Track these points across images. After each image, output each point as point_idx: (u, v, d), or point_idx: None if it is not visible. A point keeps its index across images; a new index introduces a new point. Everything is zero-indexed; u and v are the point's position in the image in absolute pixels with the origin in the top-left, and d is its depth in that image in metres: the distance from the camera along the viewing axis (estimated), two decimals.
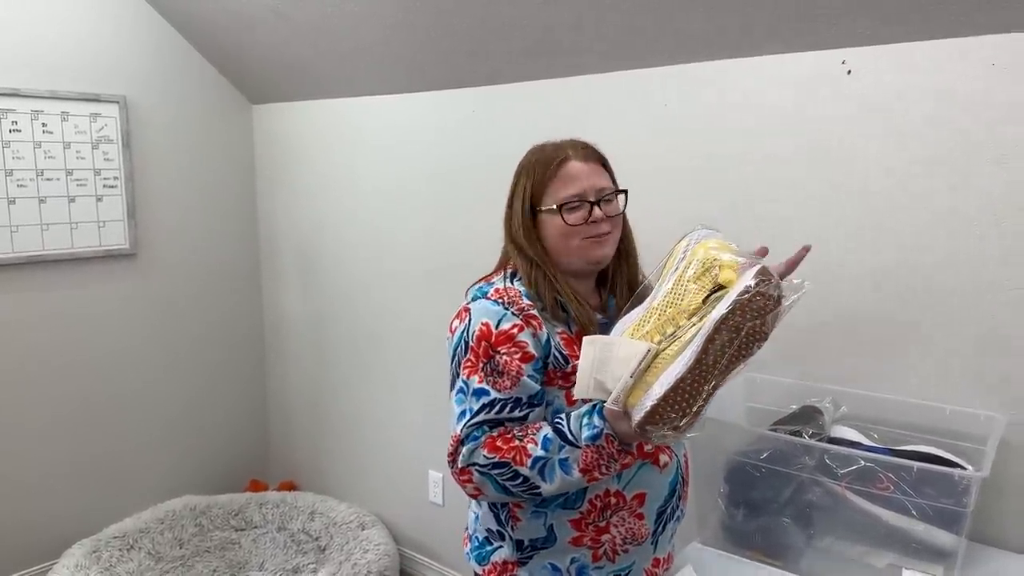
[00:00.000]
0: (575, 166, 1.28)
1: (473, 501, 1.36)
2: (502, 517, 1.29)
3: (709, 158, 1.87)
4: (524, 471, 1.14)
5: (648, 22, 1.81)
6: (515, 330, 1.20)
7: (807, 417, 1.49)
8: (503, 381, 1.18)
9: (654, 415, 1.02)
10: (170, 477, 3.04)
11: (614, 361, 1.08)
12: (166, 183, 2.89)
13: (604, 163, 1.34)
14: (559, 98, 2.15)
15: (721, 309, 1.01)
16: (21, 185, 2.50)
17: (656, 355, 1.06)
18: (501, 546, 1.30)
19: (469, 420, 1.18)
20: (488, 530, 1.33)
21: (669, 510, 1.31)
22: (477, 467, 1.16)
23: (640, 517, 1.26)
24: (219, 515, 2.92)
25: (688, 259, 1.12)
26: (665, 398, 1.01)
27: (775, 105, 1.74)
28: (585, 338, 1.13)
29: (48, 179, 2.56)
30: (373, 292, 2.81)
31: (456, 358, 1.24)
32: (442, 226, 2.53)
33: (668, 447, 1.30)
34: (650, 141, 1.97)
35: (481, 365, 1.19)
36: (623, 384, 1.06)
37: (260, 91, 3.01)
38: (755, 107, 1.78)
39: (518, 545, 1.28)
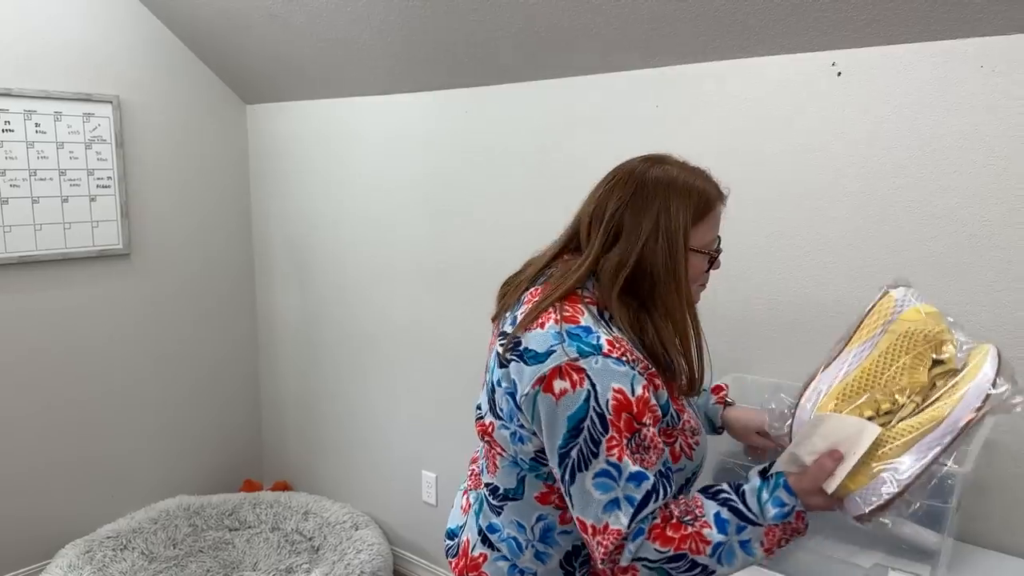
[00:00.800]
0: (720, 209, 1.19)
1: (497, 554, 1.24)
2: (577, 573, 1.19)
3: (700, 159, 1.87)
4: (702, 560, 1.01)
5: (639, 24, 1.81)
6: (648, 394, 1.05)
7: (790, 418, 1.49)
8: (650, 457, 1.03)
9: (889, 506, 0.95)
10: (164, 477, 3.04)
11: (817, 435, 1.00)
12: (160, 183, 2.89)
13: None
14: (551, 99, 2.15)
15: (972, 404, 0.92)
16: (14, 185, 2.50)
17: (875, 446, 0.96)
18: None
19: (636, 514, 1.01)
20: None
21: None
22: (647, 563, 1.02)
23: None
24: (213, 515, 2.93)
25: (904, 328, 1.02)
26: (905, 490, 0.93)
27: (766, 106, 1.75)
28: (817, 414, 1.03)
29: (41, 179, 2.56)
30: (366, 292, 2.81)
31: (584, 432, 1.02)
32: (434, 227, 2.53)
33: None
34: (641, 142, 1.97)
35: (626, 442, 1.01)
36: (846, 467, 0.97)
37: (254, 91, 3.01)
38: (745, 108, 1.78)
39: None
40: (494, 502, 1.22)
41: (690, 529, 1.02)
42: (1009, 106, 1.45)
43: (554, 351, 1.05)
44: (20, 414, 2.63)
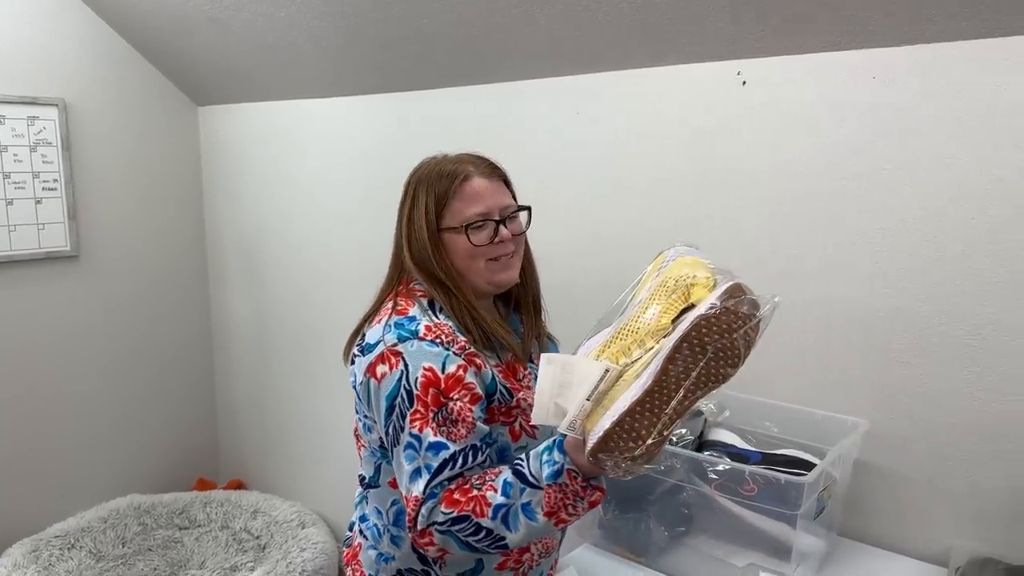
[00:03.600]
0: (479, 183, 1.22)
1: (368, 543, 1.28)
2: (430, 557, 1.21)
3: (618, 163, 1.91)
4: (486, 523, 1.03)
5: (570, 32, 1.84)
6: (461, 372, 1.11)
7: (685, 419, 1.53)
8: (458, 430, 1.08)
9: (607, 442, 0.91)
10: (116, 477, 3.06)
11: (575, 384, 0.97)
12: (109, 185, 2.91)
13: (506, 180, 1.30)
14: (480, 104, 2.18)
15: (683, 327, 0.92)
16: None
17: (619, 376, 0.95)
18: None
19: (431, 480, 1.05)
20: (402, 571, 1.24)
21: None
22: (436, 526, 1.04)
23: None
24: (163, 514, 2.95)
25: (663, 277, 1.03)
26: (620, 423, 0.90)
27: (675, 113, 1.78)
28: (544, 356, 1.01)
29: None
30: (312, 295, 2.84)
31: (396, 409, 1.10)
32: (375, 229, 2.56)
33: None
34: (564, 147, 2.01)
35: (432, 415, 1.07)
36: (579, 407, 0.95)
37: (205, 93, 3.03)
38: (658, 115, 1.82)
39: None
40: (362, 491, 1.31)
41: (475, 493, 1.05)
42: (893, 114, 1.48)
43: (380, 340, 1.15)
44: None
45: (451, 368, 1.10)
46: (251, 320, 3.13)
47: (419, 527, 1.06)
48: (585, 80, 1.94)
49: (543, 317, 1.37)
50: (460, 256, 1.20)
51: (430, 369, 1.10)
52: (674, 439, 1.44)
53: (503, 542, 1.04)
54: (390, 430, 1.11)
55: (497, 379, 1.17)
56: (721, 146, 1.72)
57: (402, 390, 1.09)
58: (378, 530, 1.27)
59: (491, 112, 2.17)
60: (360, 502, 1.34)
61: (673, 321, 0.98)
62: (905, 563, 1.48)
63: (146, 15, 2.64)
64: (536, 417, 1.02)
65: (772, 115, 1.64)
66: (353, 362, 1.22)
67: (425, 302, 1.20)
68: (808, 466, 1.35)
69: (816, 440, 1.49)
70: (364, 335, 1.20)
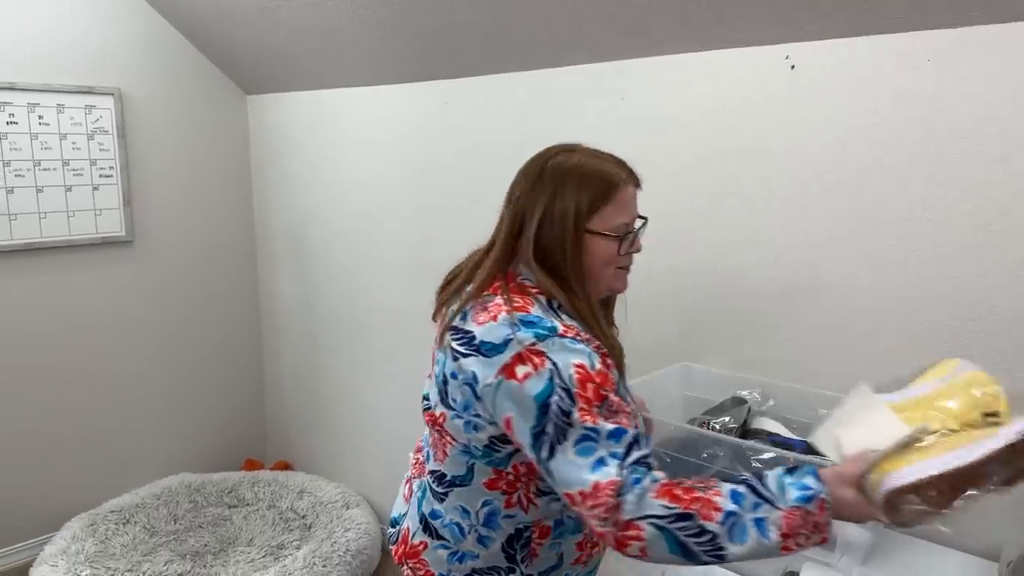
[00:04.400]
0: (630, 192, 1.20)
1: (437, 541, 1.26)
2: (518, 556, 1.21)
3: (662, 151, 1.89)
4: (712, 527, 0.97)
5: (610, 17, 1.83)
6: (605, 368, 1.09)
7: (728, 407, 1.52)
8: (624, 419, 1.06)
9: (922, 487, 0.95)
10: (168, 455, 3.17)
11: (863, 425, 1.02)
12: (162, 172, 2.99)
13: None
14: (527, 90, 2.18)
15: (1015, 430, 0.99)
16: (19, 175, 2.61)
17: (915, 441, 1.00)
18: None
19: (623, 462, 1.00)
20: (478, 569, 1.24)
21: None
22: (653, 519, 0.98)
23: None
24: (213, 492, 3.04)
25: (960, 380, 1.11)
26: (942, 476, 0.95)
27: (720, 99, 1.76)
28: (862, 386, 1.04)
29: (45, 169, 2.67)
30: (358, 278, 2.88)
31: (553, 407, 1.04)
32: (419, 215, 2.59)
33: None
34: (608, 134, 2.00)
35: (596, 409, 1.04)
36: (886, 450, 0.99)
37: (254, 81, 3.09)
38: (705, 100, 1.79)
39: None
40: (439, 489, 1.25)
41: (701, 494, 0.99)
42: (957, 98, 1.44)
43: (511, 339, 1.08)
44: (29, 395, 2.77)
45: (598, 365, 1.08)
46: (298, 304, 3.19)
47: (626, 517, 0.99)
48: (627, 66, 1.93)
49: None
50: (597, 260, 1.17)
51: (580, 366, 1.06)
52: (718, 427, 1.44)
53: (721, 552, 0.98)
54: (547, 429, 1.04)
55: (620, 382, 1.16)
56: (769, 132, 1.70)
57: (558, 389, 1.04)
58: (460, 529, 1.23)
59: (532, 99, 2.17)
60: (424, 497, 1.29)
61: (984, 416, 1.05)
62: (954, 556, 1.45)
63: (198, 5, 2.70)
64: (815, 437, 1.05)
65: (822, 100, 1.61)
66: (457, 358, 1.15)
67: (544, 300, 1.15)
68: None
69: None
70: (471, 331, 1.13)
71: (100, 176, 2.81)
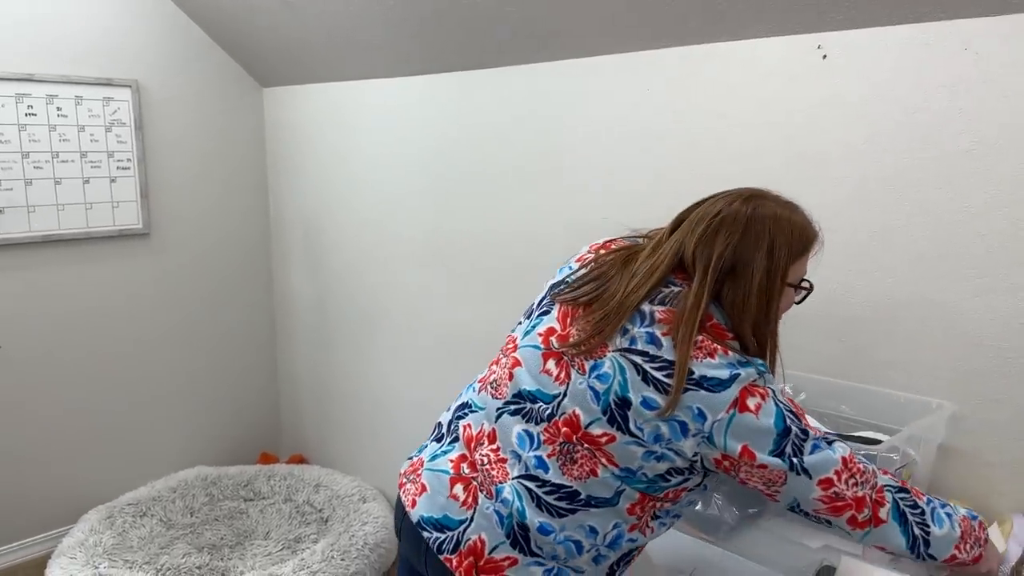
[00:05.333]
0: (816, 248, 1.28)
1: (532, 558, 1.23)
2: (618, 572, 1.27)
3: (687, 143, 1.88)
4: (922, 504, 1.16)
5: (636, 5, 1.81)
6: None
7: None
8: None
9: None
10: (184, 449, 3.17)
11: None
12: (179, 165, 2.98)
13: None
14: (547, 81, 2.17)
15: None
16: (37, 167, 2.61)
17: None
18: None
19: (851, 454, 1.16)
20: None
21: None
22: (887, 487, 1.15)
23: None
24: (229, 485, 3.04)
25: None
26: None
27: (753, 89, 1.75)
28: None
29: (63, 161, 2.67)
30: (373, 272, 2.87)
31: (790, 429, 1.14)
32: (437, 208, 2.58)
33: None
34: (633, 124, 1.98)
35: (807, 421, 1.18)
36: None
37: (270, 74, 3.08)
38: (733, 91, 1.78)
39: None
40: (564, 505, 1.20)
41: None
42: (991, 88, 1.42)
43: (738, 375, 1.14)
44: (45, 387, 2.77)
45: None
46: (312, 298, 3.18)
47: (880, 481, 1.16)
48: (652, 56, 1.91)
49: None
50: (782, 309, 1.25)
51: (783, 391, 1.19)
52: None
53: (927, 529, 1.15)
54: (787, 447, 1.14)
55: None
56: (801, 122, 1.68)
57: (787, 413, 1.15)
58: (579, 547, 1.22)
59: (551, 90, 2.15)
60: (524, 508, 1.22)
61: None
62: None
63: None
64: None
65: (855, 90, 1.59)
66: (657, 388, 1.17)
67: (736, 345, 1.21)
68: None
69: (898, 423, 1.45)
70: (692, 369, 1.15)
71: (117, 168, 2.80)
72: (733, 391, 1.13)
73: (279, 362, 3.43)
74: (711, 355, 1.15)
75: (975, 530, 1.18)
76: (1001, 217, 1.43)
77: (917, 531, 1.14)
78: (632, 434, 1.16)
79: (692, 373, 1.14)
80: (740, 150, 1.78)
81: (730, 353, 1.16)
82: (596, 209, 2.10)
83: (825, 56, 1.64)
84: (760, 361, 1.17)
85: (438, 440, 1.38)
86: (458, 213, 2.50)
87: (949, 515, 1.16)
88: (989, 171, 1.44)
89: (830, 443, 1.15)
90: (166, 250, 3.00)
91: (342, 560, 2.48)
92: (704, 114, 1.84)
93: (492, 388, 1.32)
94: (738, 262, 1.20)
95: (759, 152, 1.75)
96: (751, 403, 1.13)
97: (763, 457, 1.13)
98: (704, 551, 1.43)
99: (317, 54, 2.74)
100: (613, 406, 1.17)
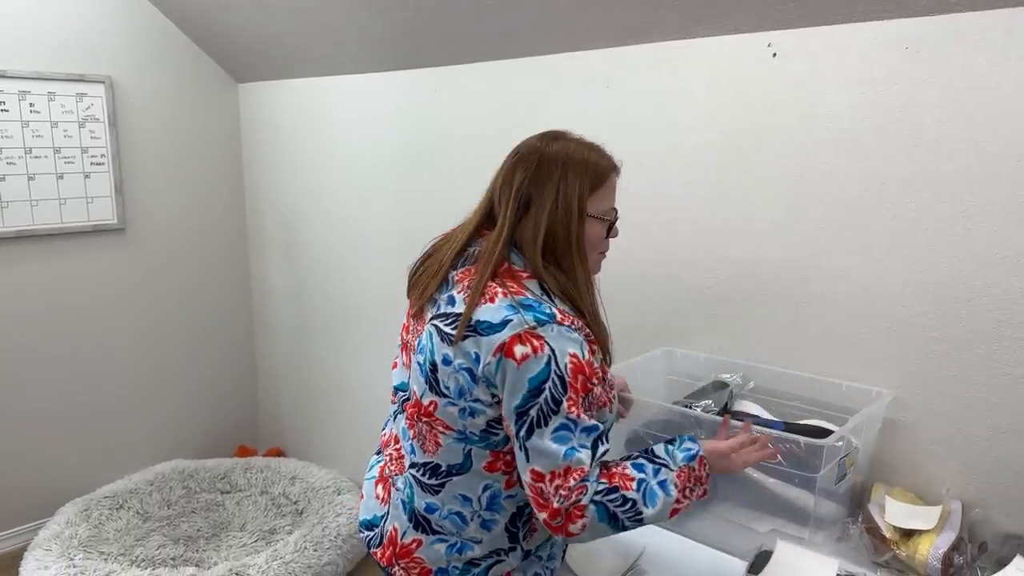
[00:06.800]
0: (615, 180, 1.28)
1: (434, 536, 1.28)
2: (520, 533, 1.27)
3: (650, 135, 1.92)
4: (631, 495, 1.12)
5: (596, 4, 1.84)
6: (592, 357, 1.17)
7: (710, 391, 1.55)
8: (601, 414, 1.19)
9: None
10: (161, 442, 3.19)
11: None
12: (154, 160, 3.00)
13: None
14: (514, 78, 2.20)
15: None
16: (10, 163, 2.62)
17: None
18: (503, 560, 1.28)
19: (593, 457, 1.12)
20: (477, 559, 1.27)
21: None
22: (594, 498, 1.11)
23: None
24: (206, 478, 3.07)
25: None
26: None
27: (707, 87, 1.78)
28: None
29: (36, 157, 2.68)
30: (349, 265, 2.90)
31: (545, 393, 1.11)
32: (410, 201, 2.61)
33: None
34: (594, 120, 2.02)
35: (582, 400, 1.13)
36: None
37: (245, 70, 3.10)
38: (689, 87, 1.82)
39: (527, 554, 1.29)
40: (431, 481, 1.25)
41: (616, 469, 1.14)
42: (926, 86, 1.47)
43: (511, 320, 1.12)
44: (21, 382, 2.78)
45: (587, 355, 1.15)
46: (290, 291, 3.21)
47: (585, 500, 1.10)
48: (614, 53, 1.95)
49: None
50: (590, 244, 1.24)
51: (575, 355, 1.12)
52: (699, 408, 1.47)
53: (640, 515, 1.12)
54: (532, 412, 1.11)
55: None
56: (753, 119, 1.72)
57: (553, 375, 1.11)
58: (462, 517, 1.25)
59: (521, 86, 2.18)
60: (413, 494, 1.28)
61: None
62: None
63: None
64: None
65: (804, 88, 1.63)
66: (452, 342, 1.17)
67: (536, 284, 1.20)
68: (829, 434, 1.36)
69: (841, 412, 1.50)
70: (470, 316, 1.16)
71: (91, 164, 2.82)
72: (503, 335, 1.12)
73: (257, 356, 3.45)
74: (492, 300, 1.16)
75: (693, 472, 1.15)
76: (942, 210, 1.48)
77: (629, 522, 1.12)
78: (443, 394, 1.19)
79: (471, 320, 1.16)
80: (695, 144, 1.82)
81: (517, 296, 1.15)
82: None
83: (775, 54, 1.68)
84: (550, 311, 1.14)
85: (377, 452, 1.47)
86: (434, 206, 2.54)
87: (663, 484, 1.13)
88: (933, 167, 1.48)
89: (583, 445, 1.11)
90: (142, 245, 3.01)
91: (315, 551, 2.51)
92: (661, 111, 1.87)
93: (392, 394, 1.41)
94: (532, 196, 1.21)
95: (712, 146, 1.79)
96: (518, 351, 1.11)
97: (507, 410, 1.13)
98: (653, 534, 1.47)
99: (291, 50, 2.76)
100: (429, 373, 1.21)
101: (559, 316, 1.13)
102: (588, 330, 1.18)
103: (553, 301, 1.18)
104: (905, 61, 1.49)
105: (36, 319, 2.79)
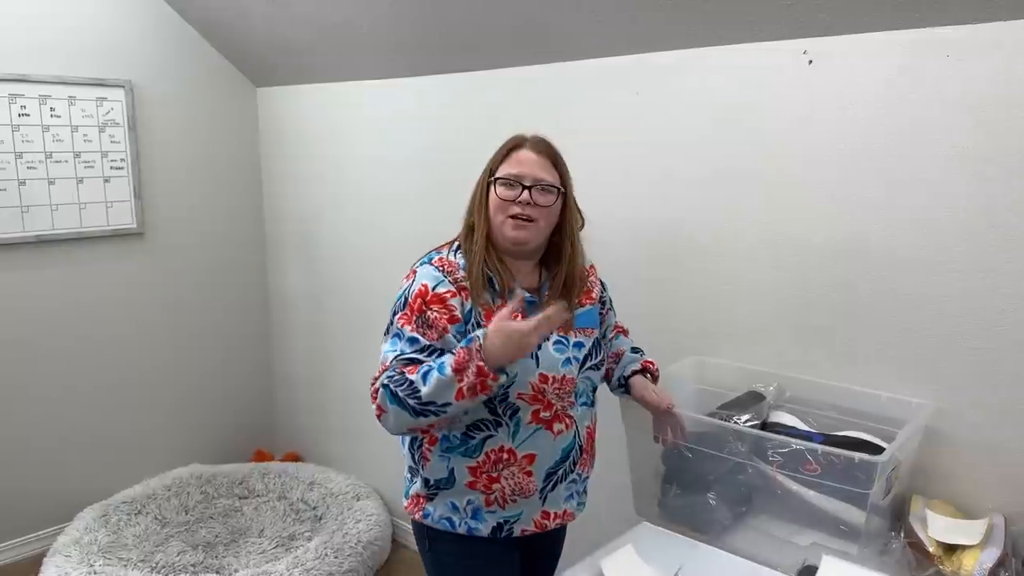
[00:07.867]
0: (526, 154, 1.47)
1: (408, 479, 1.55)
2: (415, 456, 1.49)
3: (675, 143, 1.90)
4: (412, 377, 1.31)
5: (626, 11, 1.83)
6: (448, 295, 1.40)
7: (748, 402, 1.53)
8: (431, 333, 1.37)
9: None
10: (179, 447, 3.18)
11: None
12: (173, 165, 2.99)
13: (556, 162, 1.49)
14: (540, 84, 2.19)
15: None
16: (31, 167, 2.62)
17: None
18: (415, 482, 1.51)
19: (399, 356, 1.37)
20: (408, 467, 1.54)
21: (561, 472, 1.45)
22: (383, 381, 1.35)
23: (529, 474, 1.43)
24: (224, 483, 3.06)
25: None
26: None
27: (740, 93, 1.77)
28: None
29: (57, 161, 2.67)
30: (367, 270, 2.89)
31: (395, 309, 1.43)
32: (429, 207, 2.59)
33: (566, 416, 1.44)
34: (623, 125, 2.00)
35: (414, 318, 1.39)
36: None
37: (264, 74, 3.09)
38: (720, 95, 1.80)
39: (426, 482, 1.48)
40: None
41: (416, 365, 1.36)
42: (969, 95, 1.45)
43: (415, 264, 1.48)
44: (40, 386, 2.78)
45: (441, 290, 1.40)
46: (307, 296, 3.20)
47: (377, 384, 1.35)
48: (643, 60, 1.93)
49: (595, 296, 1.57)
50: (492, 208, 1.45)
51: (425, 286, 1.40)
52: (740, 421, 1.45)
53: (417, 393, 1.30)
54: (388, 325, 1.44)
55: (475, 313, 1.40)
56: (789, 127, 1.70)
57: (403, 296, 1.43)
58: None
59: (547, 92, 2.17)
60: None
61: None
62: None
63: None
64: None
65: (840, 94, 1.61)
66: None
67: (455, 245, 1.49)
68: (871, 447, 1.35)
69: (880, 423, 1.47)
70: None
71: (111, 168, 2.81)
72: (408, 271, 1.48)
73: (274, 360, 3.44)
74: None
75: (469, 358, 1.26)
76: (982, 221, 1.46)
77: (411, 402, 1.30)
78: None
79: None
80: (730, 154, 1.80)
81: (432, 251, 1.49)
82: (585, 210, 2.11)
83: (811, 61, 1.66)
84: (433, 256, 1.46)
85: None
86: (453, 211, 2.50)
87: (440, 365, 1.29)
88: (968, 175, 1.46)
89: (403, 351, 1.36)
90: (160, 249, 3.01)
91: (335, 558, 2.50)
92: (693, 118, 1.85)
93: None
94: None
95: (748, 156, 1.77)
96: (404, 280, 1.46)
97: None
98: (691, 549, 1.45)
99: (310, 55, 2.75)
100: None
101: (435, 260, 1.44)
102: (462, 274, 1.41)
103: (454, 255, 1.45)
104: (946, 68, 1.47)
105: (56, 324, 2.78)
